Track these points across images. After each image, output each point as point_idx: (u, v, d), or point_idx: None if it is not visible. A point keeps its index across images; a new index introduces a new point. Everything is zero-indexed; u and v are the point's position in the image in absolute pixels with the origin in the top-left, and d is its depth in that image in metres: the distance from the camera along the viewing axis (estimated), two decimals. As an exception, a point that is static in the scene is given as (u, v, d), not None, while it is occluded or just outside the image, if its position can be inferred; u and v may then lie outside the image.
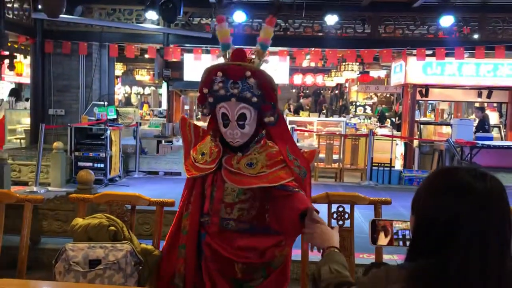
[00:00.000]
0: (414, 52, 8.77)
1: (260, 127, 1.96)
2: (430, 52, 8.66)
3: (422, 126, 9.92)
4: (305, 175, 1.94)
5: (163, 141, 9.44)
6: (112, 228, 2.30)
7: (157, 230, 2.38)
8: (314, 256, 4.08)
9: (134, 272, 2.22)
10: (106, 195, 2.45)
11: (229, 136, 1.91)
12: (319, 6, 8.26)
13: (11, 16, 7.86)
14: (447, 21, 8.08)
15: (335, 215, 2.59)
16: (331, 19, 8.12)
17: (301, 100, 12.24)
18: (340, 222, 2.59)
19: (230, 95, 1.85)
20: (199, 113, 2.29)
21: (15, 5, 8.04)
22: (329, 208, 2.58)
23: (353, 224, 2.59)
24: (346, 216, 2.59)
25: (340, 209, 2.59)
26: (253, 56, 1.96)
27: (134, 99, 19.94)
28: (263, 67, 1.97)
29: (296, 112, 11.35)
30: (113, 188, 7.12)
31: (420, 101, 11.18)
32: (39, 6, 7.82)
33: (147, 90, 21.21)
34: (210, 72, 1.89)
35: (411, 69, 9.13)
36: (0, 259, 2.36)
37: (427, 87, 9.41)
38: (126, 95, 19.76)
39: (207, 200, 1.99)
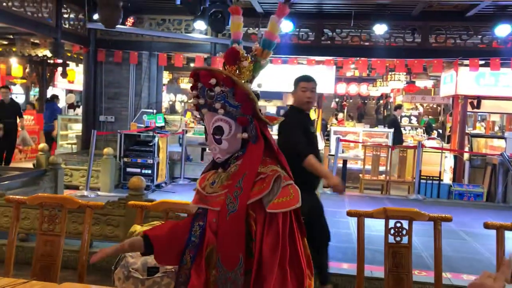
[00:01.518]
0: (466, 62, 8.50)
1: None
2: (482, 62, 8.37)
3: (472, 138, 9.57)
4: (233, 210, 1.53)
5: (207, 149, 9.55)
6: (169, 236, 2.33)
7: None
8: (371, 271, 3.97)
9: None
10: (164, 203, 2.48)
11: (210, 150, 1.68)
12: (368, 15, 8.15)
13: (67, 26, 8.20)
14: (503, 30, 7.79)
15: (392, 231, 2.52)
16: (380, 29, 7.99)
17: (394, 112, 11.20)
18: (398, 238, 2.52)
19: (203, 104, 1.63)
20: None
21: (71, 16, 8.38)
22: (386, 224, 2.51)
23: (411, 241, 2.51)
24: (404, 232, 2.52)
25: (398, 224, 2.52)
26: (245, 56, 1.63)
27: (178, 107, 20.33)
28: (263, 72, 1.69)
29: (393, 126, 10.02)
30: (159, 194, 7.25)
31: (470, 113, 10.79)
32: (94, 17, 8.12)
33: (191, 98, 21.57)
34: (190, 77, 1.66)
35: (463, 80, 8.83)
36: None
37: (479, 98, 9.09)
38: (170, 102, 20.18)
39: None
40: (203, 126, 1.71)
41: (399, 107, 11.09)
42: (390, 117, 11.81)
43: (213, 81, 1.55)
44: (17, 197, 2.50)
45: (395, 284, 2.53)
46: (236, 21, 1.69)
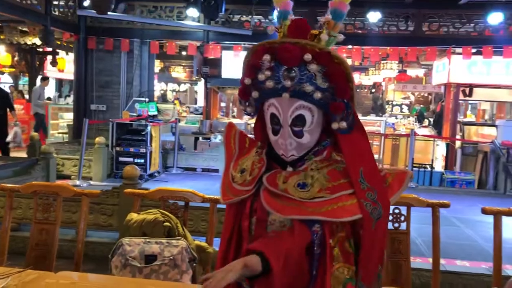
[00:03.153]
0: (458, 50, 8.51)
1: (324, 133, 1.36)
2: (474, 50, 8.38)
3: (464, 126, 9.62)
4: (379, 216, 1.29)
5: (200, 138, 9.50)
6: (167, 224, 2.30)
7: (211, 227, 2.36)
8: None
9: (188, 268, 2.21)
10: (160, 191, 2.45)
11: (281, 146, 1.33)
12: (362, 3, 8.11)
13: (57, 13, 8.06)
14: (495, 18, 7.81)
15: (390, 217, 2.52)
16: (373, 16, 7.96)
17: (431, 106, 10.31)
18: (396, 225, 2.52)
19: (281, 88, 1.27)
20: (243, 112, 1.46)
21: (61, 2, 8.23)
22: (385, 210, 2.50)
23: (409, 227, 2.52)
24: (402, 218, 2.52)
25: (396, 211, 2.52)
26: (320, 30, 1.32)
27: (170, 96, 20.19)
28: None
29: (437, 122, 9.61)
30: (152, 183, 7.20)
31: (461, 101, 10.82)
32: (84, 4, 7.99)
33: (183, 87, 21.46)
34: (256, 54, 1.30)
35: (455, 68, 8.87)
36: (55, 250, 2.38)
37: (471, 86, 9.13)
38: (162, 91, 20.04)
39: (245, 240, 1.40)
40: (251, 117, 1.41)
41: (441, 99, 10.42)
42: (437, 114, 10.67)
43: (308, 56, 1.24)
44: (10, 185, 2.45)
45: (393, 270, 2.53)
46: None
